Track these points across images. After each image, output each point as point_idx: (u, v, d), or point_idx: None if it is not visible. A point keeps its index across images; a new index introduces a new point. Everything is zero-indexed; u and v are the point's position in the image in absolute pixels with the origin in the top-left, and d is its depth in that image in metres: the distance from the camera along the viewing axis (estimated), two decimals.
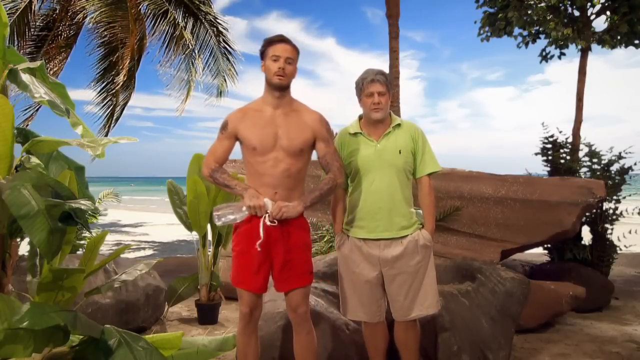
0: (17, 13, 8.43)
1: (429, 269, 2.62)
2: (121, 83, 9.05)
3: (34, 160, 2.55)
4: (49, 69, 9.04)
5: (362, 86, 2.57)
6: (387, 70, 7.35)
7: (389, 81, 2.60)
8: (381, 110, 2.56)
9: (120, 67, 9.06)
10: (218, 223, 2.34)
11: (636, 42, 7.36)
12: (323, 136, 2.45)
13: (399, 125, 2.62)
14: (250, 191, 2.34)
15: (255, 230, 2.35)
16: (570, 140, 6.48)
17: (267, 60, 2.37)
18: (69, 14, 9.27)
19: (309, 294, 2.55)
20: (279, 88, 2.38)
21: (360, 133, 2.62)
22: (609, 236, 5.64)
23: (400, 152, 2.57)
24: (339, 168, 2.47)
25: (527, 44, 7.98)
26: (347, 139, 2.65)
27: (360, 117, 2.67)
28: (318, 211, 5.49)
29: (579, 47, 7.37)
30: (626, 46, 7.51)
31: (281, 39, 2.37)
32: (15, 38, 8.61)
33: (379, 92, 2.54)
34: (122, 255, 4.67)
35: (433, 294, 2.62)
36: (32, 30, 9.02)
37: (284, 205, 2.32)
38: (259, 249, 2.34)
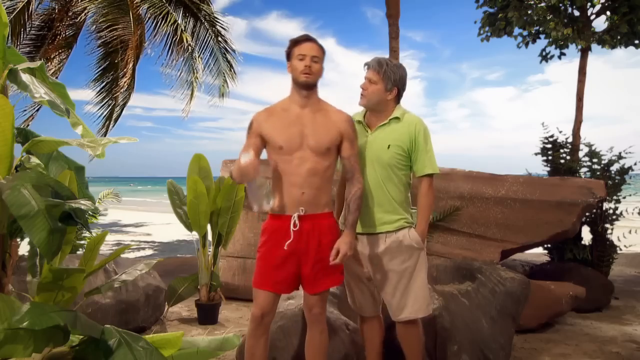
0: (15, 12, 8.42)
1: (418, 271, 2.53)
2: (126, 84, 9.05)
3: (34, 160, 2.55)
4: (48, 69, 9.04)
5: None
6: None
7: (387, 72, 2.47)
8: (363, 97, 2.51)
9: (122, 69, 9.06)
10: (265, 207, 2.27)
11: (636, 42, 7.36)
12: (349, 136, 2.43)
13: (397, 118, 2.52)
14: (234, 171, 2.25)
15: (282, 231, 2.35)
16: (570, 140, 6.49)
17: (293, 60, 2.36)
18: (69, 14, 9.26)
19: (327, 296, 2.55)
20: (306, 86, 2.37)
21: (361, 122, 2.58)
22: (609, 236, 5.65)
23: (388, 147, 2.48)
24: (360, 172, 2.47)
25: (527, 44, 7.97)
26: None
27: None
28: None
29: (579, 47, 7.37)
30: (626, 46, 7.51)
31: (307, 38, 2.37)
32: (11, 37, 8.60)
33: (369, 79, 2.49)
34: (122, 255, 4.67)
35: (423, 298, 2.55)
36: (29, 30, 9.01)
37: (343, 250, 2.30)
38: (285, 248, 2.34)
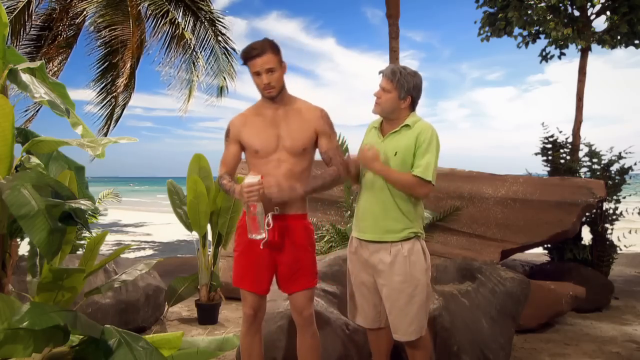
0: (15, 12, 8.43)
1: (418, 294, 2.45)
2: (123, 84, 9.05)
3: (34, 160, 2.55)
4: (48, 69, 9.04)
5: None
6: None
7: (400, 80, 2.41)
8: (378, 105, 2.47)
9: (122, 68, 9.06)
10: (261, 236, 2.26)
11: (636, 42, 7.36)
12: (325, 131, 2.41)
13: (407, 126, 2.47)
14: (237, 192, 2.29)
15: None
16: (570, 140, 6.49)
17: (252, 75, 2.34)
18: (69, 14, 9.26)
19: (314, 297, 2.55)
20: (272, 99, 2.38)
21: (377, 128, 2.57)
22: (609, 236, 5.65)
23: (395, 154, 2.44)
24: (342, 163, 2.44)
25: (527, 44, 7.97)
26: (368, 131, 2.62)
27: None
28: (318, 211, 5.49)
29: (579, 47, 7.38)
30: (626, 46, 7.51)
31: (253, 55, 2.28)
32: (10, 37, 8.60)
33: (383, 87, 2.45)
34: (122, 255, 4.67)
35: (419, 321, 2.49)
36: (28, 30, 9.02)
37: (281, 188, 2.24)
38: (262, 247, 2.33)
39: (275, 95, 2.35)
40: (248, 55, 2.30)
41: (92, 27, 8.94)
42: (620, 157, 5.71)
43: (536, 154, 6.16)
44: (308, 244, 2.44)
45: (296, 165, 2.37)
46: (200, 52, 9.90)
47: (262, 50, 2.27)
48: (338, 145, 2.47)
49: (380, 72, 2.50)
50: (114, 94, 9.37)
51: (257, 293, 2.42)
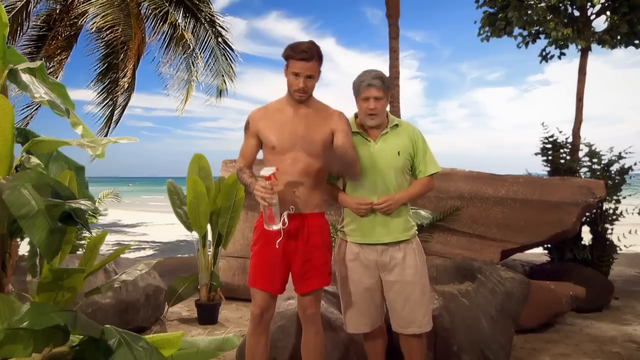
0: (13, 12, 8.43)
1: (426, 283, 2.58)
2: (125, 85, 9.05)
3: (34, 160, 2.55)
4: (48, 69, 9.04)
5: (359, 89, 2.48)
6: (387, 70, 7.35)
7: (387, 84, 2.50)
8: (376, 116, 2.49)
9: (123, 69, 9.06)
10: (277, 227, 2.27)
11: (636, 42, 7.36)
12: (341, 128, 2.40)
13: (396, 125, 2.55)
14: (256, 190, 2.26)
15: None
16: (570, 140, 6.49)
17: (288, 72, 2.34)
18: (69, 14, 9.26)
19: (321, 297, 2.55)
20: (300, 101, 2.40)
21: (358, 132, 2.56)
22: (609, 236, 5.65)
23: (399, 154, 2.51)
24: (357, 159, 2.43)
25: (527, 44, 7.97)
26: None
27: (356, 116, 2.60)
28: None
29: (579, 47, 7.38)
30: (626, 46, 7.51)
31: (302, 57, 2.29)
32: (7, 37, 8.59)
33: (375, 98, 2.45)
34: (122, 255, 4.67)
35: (431, 310, 2.62)
36: (26, 30, 9.03)
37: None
38: (277, 247, 2.35)
39: (304, 100, 2.38)
40: (295, 55, 2.30)
41: (93, 28, 8.94)
42: (620, 157, 5.72)
43: (536, 154, 6.16)
44: (322, 244, 2.44)
45: (312, 165, 2.38)
46: (200, 53, 9.90)
47: (311, 56, 2.30)
48: (353, 145, 2.44)
49: (367, 85, 2.45)
50: (114, 95, 9.37)
51: (269, 292, 2.42)
